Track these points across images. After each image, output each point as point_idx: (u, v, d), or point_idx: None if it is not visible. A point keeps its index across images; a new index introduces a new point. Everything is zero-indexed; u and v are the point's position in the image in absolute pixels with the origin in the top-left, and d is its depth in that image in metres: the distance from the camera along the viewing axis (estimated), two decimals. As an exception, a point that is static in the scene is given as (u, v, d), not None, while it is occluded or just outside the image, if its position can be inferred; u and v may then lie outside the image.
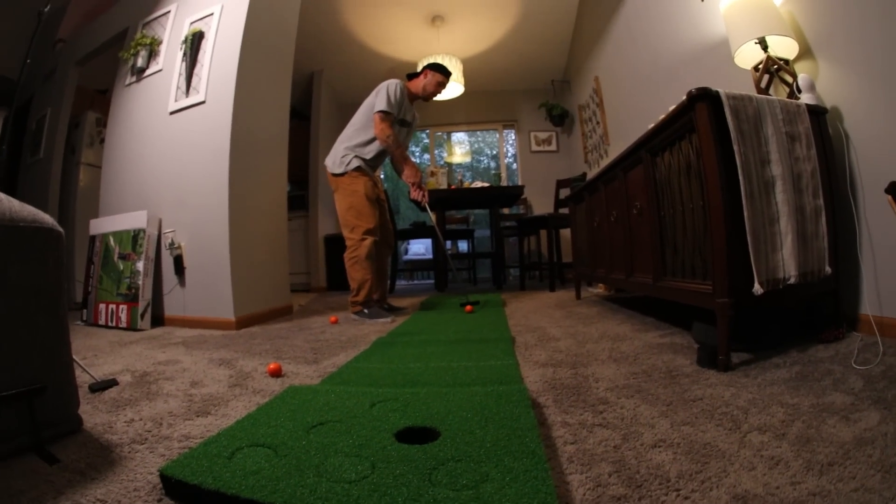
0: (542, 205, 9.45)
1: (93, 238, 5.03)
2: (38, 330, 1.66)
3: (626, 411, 1.74)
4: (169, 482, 1.27)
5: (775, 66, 3.00)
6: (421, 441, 1.43)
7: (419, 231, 7.69)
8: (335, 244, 7.77)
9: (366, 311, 4.30)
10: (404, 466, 1.26)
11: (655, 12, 5.00)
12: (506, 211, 9.27)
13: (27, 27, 6.01)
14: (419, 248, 11.06)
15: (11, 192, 5.91)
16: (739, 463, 1.31)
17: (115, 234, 4.79)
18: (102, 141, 5.86)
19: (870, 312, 2.42)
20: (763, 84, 3.08)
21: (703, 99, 2.30)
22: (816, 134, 2.49)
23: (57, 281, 1.72)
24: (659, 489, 1.20)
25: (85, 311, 4.89)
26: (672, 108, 2.57)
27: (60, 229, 1.75)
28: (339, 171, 4.43)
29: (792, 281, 2.27)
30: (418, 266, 10.50)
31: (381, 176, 5.21)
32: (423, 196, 4.69)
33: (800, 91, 2.73)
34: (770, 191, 2.30)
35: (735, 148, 2.22)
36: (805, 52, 2.91)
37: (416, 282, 10.60)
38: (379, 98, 4.39)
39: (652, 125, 2.84)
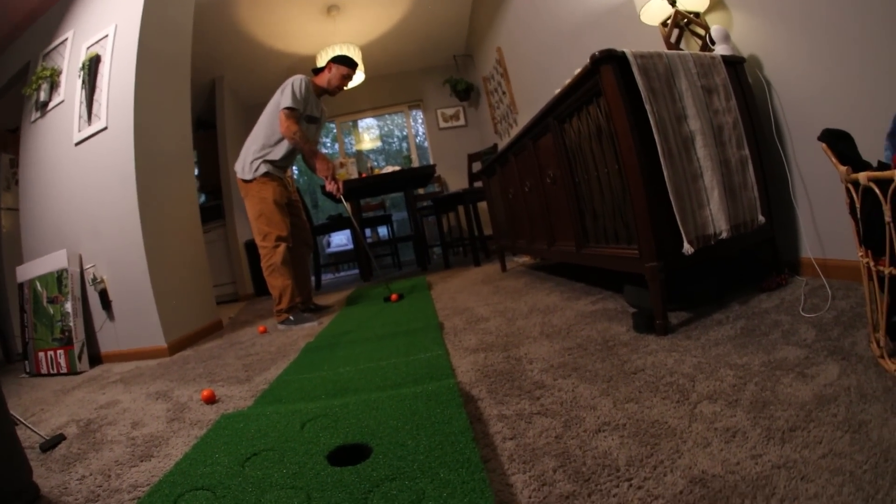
0: (457, 181, 9.43)
1: (21, 286, 4.82)
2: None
3: (565, 394, 1.69)
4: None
5: (685, 20, 2.96)
6: (354, 460, 1.39)
7: (337, 224, 7.61)
8: (257, 250, 7.64)
9: (291, 317, 4.21)
10: (340, 493, 1.22)
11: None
12: (421, 191, 9.26)
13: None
14: (341, 239, 10.84)
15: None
16: (693, 440, 1.25)
17: (40, 278, 4.61)
18: (18, 182, 5.64)
19: (811, 255, 2.43)
20: (673, 39, 3.06)
21: (609, 61, 2.24)
22: (735, 85, 2.48)
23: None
24: (609, 480, 1.15)
25: (27, 362, 4.69)
26: (577, 72, 2.50)
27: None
28: (247, 177, 4.33)
29: (724, 236, 2.27)
30: (342, 258, 10.33)
31: (295, 171, 5.01)
32: (338, 188, 4.63)
33: (713, 43, 2.69)
34: (690, 147, 2.27)
35: (647, 108, 2.18)
36: (717, 4, 2.86)
37: (341, 274, 10.42)
38: (284, 95, 4.28)
39: (558, 91, 2.80)
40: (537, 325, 2.71)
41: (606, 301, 2.92)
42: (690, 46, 3.06)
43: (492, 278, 4.92)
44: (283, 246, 4.24)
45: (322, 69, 4.65)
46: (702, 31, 2.89)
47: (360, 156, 9.14)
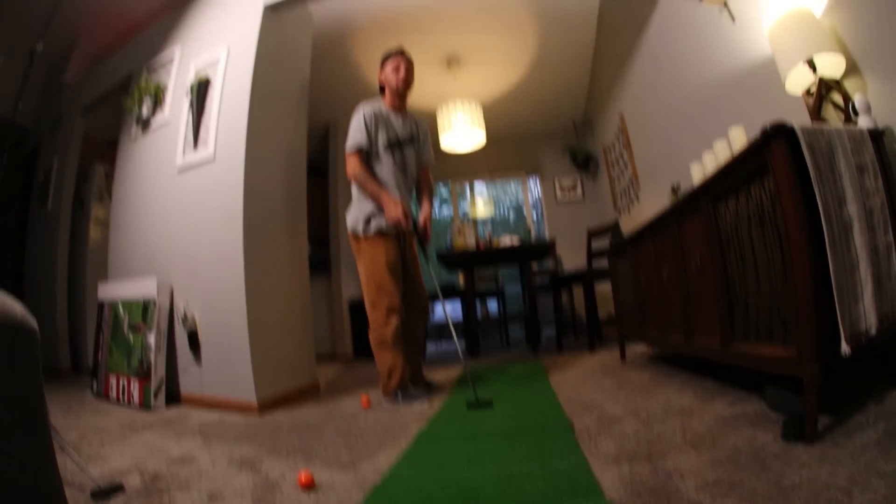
0: (570, 257, 8.90)
1: (101, 304, 4.76)
2: (14, 453, 1.26)
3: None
4: None
5: (827, 89, 2.73)
6: None
7: (446, 293, 6.98)
8: (361, 310, 7.13)
9: (399, 395, 3.84)
10: None
11: (683, 37, 4.64)
12: (533, 265, 8.78)
13: (37, 71, 5.88)
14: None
15: (20, 245, 5.69)
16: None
17: (124, 302, 4.50)
18: (111, 196, 5.60)
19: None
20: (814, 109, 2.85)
21: (780, 135, 2.04)
22: (878, 161, 2.25)
23: (33, 388, 1.37)
24: None
25: (95, 381, 4.58)
26: (739, 148, 2.35)
27: (34, 324, 1.39)
28: (358, 232, 3.95)
29: (872, 333, 2.02)
30: (447, 331, 9.42)
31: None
32: (426, 232, 4.17)
33: (856, 115, 2.45)
34: (849, 234, 2.06)
35: (816, 190, 1.99)
36: (851, 69, 2.64)
37: (442, 342, 9.62)
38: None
39: (699, 165, 2.61)
40: (677, 429, 2.44)
41: (744, 403, 2.65)
42: (829, 117, 2.80)
43: (612, 369, 4.54)
44: (395, 321, 3.82)
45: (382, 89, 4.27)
46: (840, 100, 2.68)
47: (475, 224, 8.91)
